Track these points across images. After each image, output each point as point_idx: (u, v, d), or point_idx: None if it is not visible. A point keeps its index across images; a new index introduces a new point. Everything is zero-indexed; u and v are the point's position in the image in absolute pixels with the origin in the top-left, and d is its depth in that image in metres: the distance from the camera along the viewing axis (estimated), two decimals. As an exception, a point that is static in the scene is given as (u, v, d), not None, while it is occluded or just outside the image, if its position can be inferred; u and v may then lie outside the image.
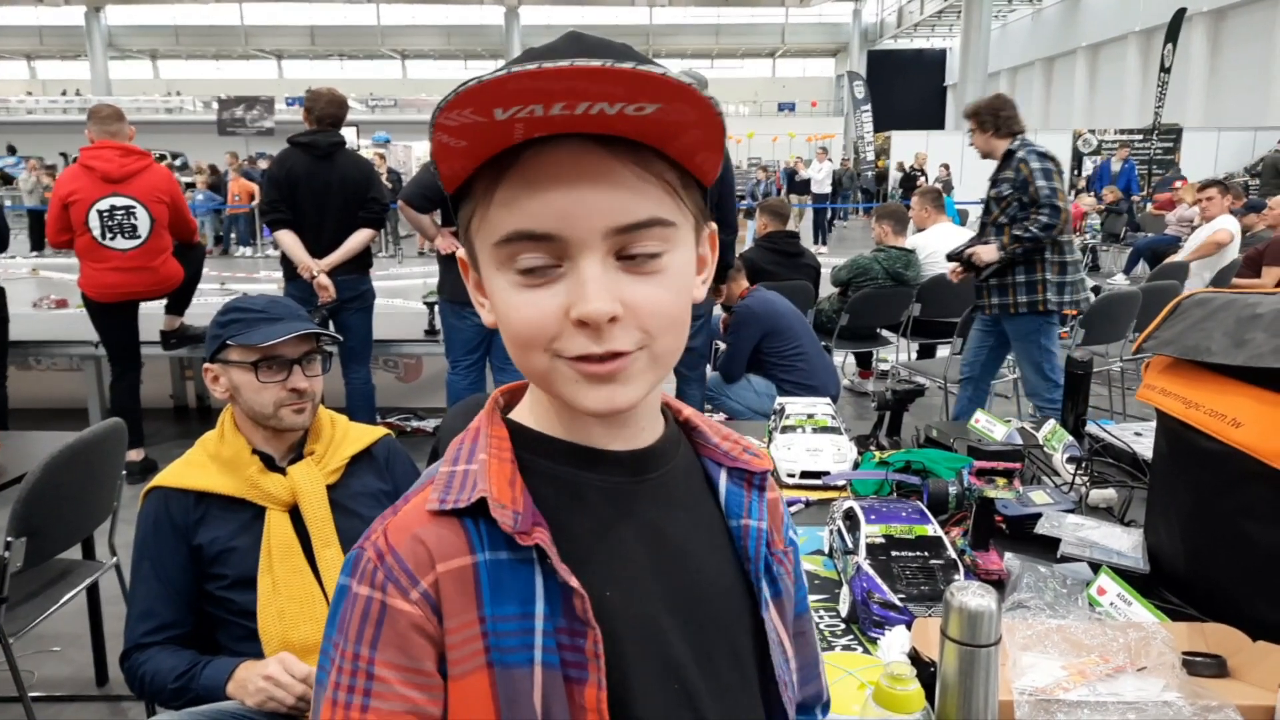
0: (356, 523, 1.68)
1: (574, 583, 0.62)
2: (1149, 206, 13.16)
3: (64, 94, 32.96)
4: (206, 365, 1.74)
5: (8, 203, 15.23)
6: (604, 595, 0.64)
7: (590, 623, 0.62)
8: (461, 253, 0.69)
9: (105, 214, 4.04)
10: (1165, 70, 16.67)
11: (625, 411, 0.64)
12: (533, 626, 0.62)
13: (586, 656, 0.62)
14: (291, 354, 1.70)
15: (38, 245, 14.14)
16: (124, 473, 2.58)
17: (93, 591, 2.64)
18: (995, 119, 3.94)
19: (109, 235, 4.06)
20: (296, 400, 1.69)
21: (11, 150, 20.03)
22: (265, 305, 1.72)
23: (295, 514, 1.67)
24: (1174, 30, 16.79)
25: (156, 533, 1.64)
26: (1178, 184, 12.28)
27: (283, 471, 1.70)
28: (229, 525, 1.65)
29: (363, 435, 1.83)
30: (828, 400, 2.27)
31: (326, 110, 4.15)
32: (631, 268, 0.61)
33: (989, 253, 3.88)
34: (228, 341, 1.69)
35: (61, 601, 2.37)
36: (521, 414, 0.72)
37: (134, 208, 4.07)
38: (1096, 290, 6.18)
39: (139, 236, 4.10)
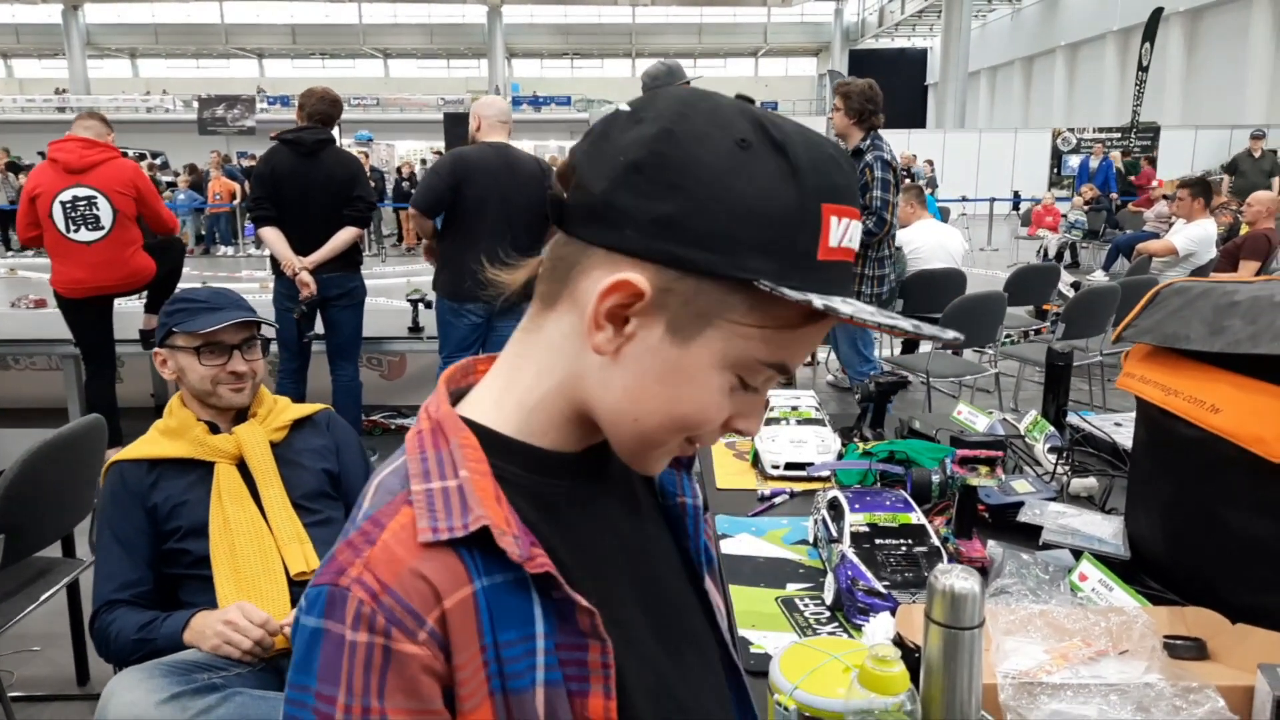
0: (301, 472, 1.86)
1: (586, 603, 0.61)
2: (1129, 204, 13.28)
3: (57, 92, 32.58)
4: (156, 350, 1.89)
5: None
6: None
7: (603, 636, 0.62)
8: (632, 276, 0.59)
9: (68, 204, 4.02)
10: (1143, 69, 16.86)
11: None
12: (534, 647, 0.61)
13: (590, 669, 0.62)
14: (231, 340, 1.85)
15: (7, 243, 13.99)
16: (103, 470, 2.56)
17: (73, 590, 2.61)
18: (861, 108, 3.96)
19: (72, 227, 4.03)
20: (235, 380, 1.85)
21: (-12, 149, 19.76)
22: (208, 296, 1.89)
23: (243, 469, 1.81)
24: (1151, 29, 16.96)
25: (114, 502, 1.76)
26: (1157, 182, 12.37)
27: (229, 433, 1.85)
28: (180, 483, 1.78)
29: (304, 409, 1.99)
30: (812, 393, 2.28)
31: (318, 107, 4.11)
32: None
33: None
34: (173, 329, 1.85)
35: (41, 600, 2.35)
36: (477, 409, 0.67)
37: (95, 198, 4.04)
38: (1076, 286, 6.24)
39: (102, 228, 4.07)
